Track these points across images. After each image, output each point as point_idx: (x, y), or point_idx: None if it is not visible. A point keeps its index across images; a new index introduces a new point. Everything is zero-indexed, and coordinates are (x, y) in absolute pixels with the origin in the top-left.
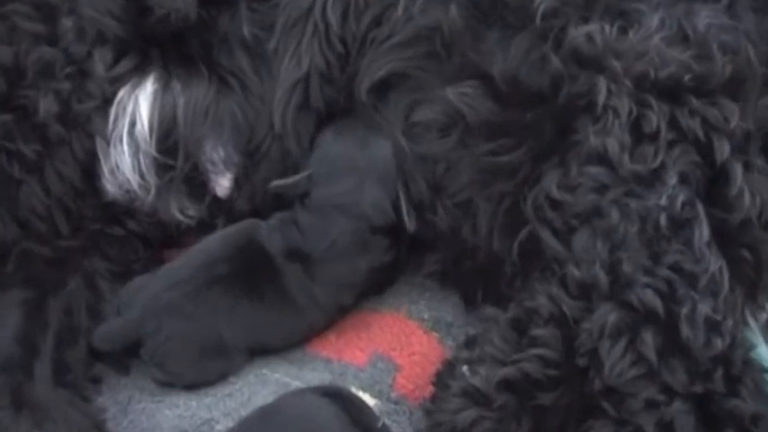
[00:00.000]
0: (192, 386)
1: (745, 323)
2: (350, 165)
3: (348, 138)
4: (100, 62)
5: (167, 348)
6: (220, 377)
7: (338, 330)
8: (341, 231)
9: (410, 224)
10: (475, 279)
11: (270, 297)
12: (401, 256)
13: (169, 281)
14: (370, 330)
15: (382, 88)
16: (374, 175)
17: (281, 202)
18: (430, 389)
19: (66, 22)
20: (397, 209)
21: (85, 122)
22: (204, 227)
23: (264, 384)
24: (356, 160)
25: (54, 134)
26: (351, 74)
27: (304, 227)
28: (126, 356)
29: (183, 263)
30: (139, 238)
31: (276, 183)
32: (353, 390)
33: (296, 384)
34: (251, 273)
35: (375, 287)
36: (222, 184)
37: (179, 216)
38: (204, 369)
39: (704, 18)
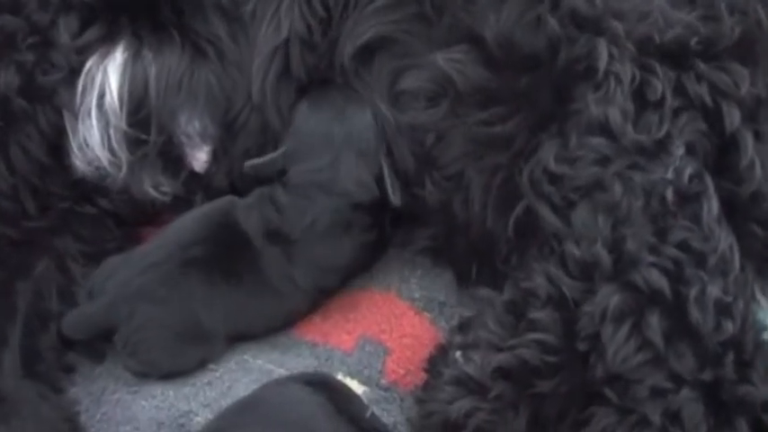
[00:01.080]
0: (168, 375)
1: (755, 301)
2: (325, 139)
3: (323, 110)
4: (65, 31)
5: (141, 336)
6: (199, 365)
7: (324, 311)
8: (321, 209)
9: (395, 199)
10: (468, 256)
11: (248, 281)
12: (386, 233)
13: (141, 264)
14: (358, 311)
15: (366, 53)
16: (352, 149)
17: (260, 179)
18: (422, 374)
19: None
20: (380, 183)
21: (51, 95)
22: (181, 203)
23: (246, 372)
24: (332, 134)
25: (17, 108)
26: (333, 39)
27: (282, 206)
28: (100, 343)
29: (155, 245)
30: (112, 216)
31: (250, 162)
32: (340, 376)
33: (279, 372)
34: (228, 255)
35: (360, 266)
36: (199, 158)
37: (153, 193)
38: (181, 356)
39: None
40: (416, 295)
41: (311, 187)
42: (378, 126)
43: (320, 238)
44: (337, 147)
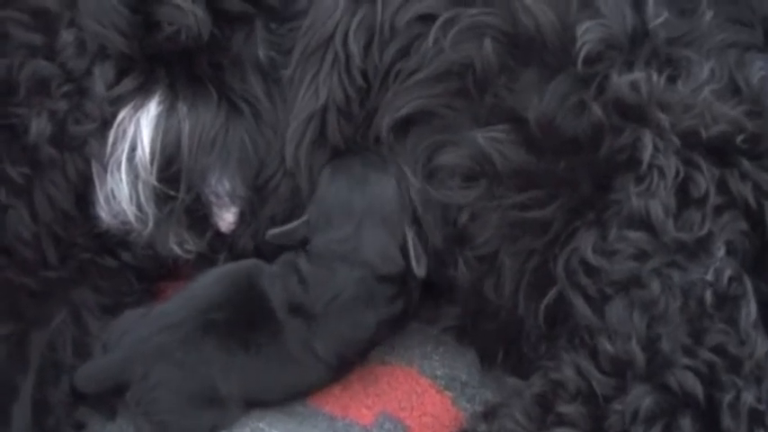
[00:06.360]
0: None
1: None
2: (345, 209)
3: (343, 178)
4: (100, 80)
5: (155, 396)
6: (212, 430)
7: (343, 382)
8: (344, 282)
9: (419, 270)
10: (495, 339)
11: (268, 351)
12: (411, 305)
13: (160, 323)
14: (378, 386)
15: (404, 126)
16: (374, 219)
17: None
18: None
19: (66, 35)
20: (405, 253)
21: (81, 146)
22: (204, 261)
23: None
24: (351, 203)
25: (45, 157)
26: (371, 109)
27: (305, 276)
28: (112, 398)
29: (175, 304)
30: (133, 269)
31: (272, 231)
32: None
33: None
34: (248, 323)
35: (383, 338)
36: (226, 218)
37: (177, 250)
38: (194, 420)
39: (758, 70)
40: (438, 373)
41: (334, 258)
42: (403, 196)
43: (343, 311)
44: (358, 217)
